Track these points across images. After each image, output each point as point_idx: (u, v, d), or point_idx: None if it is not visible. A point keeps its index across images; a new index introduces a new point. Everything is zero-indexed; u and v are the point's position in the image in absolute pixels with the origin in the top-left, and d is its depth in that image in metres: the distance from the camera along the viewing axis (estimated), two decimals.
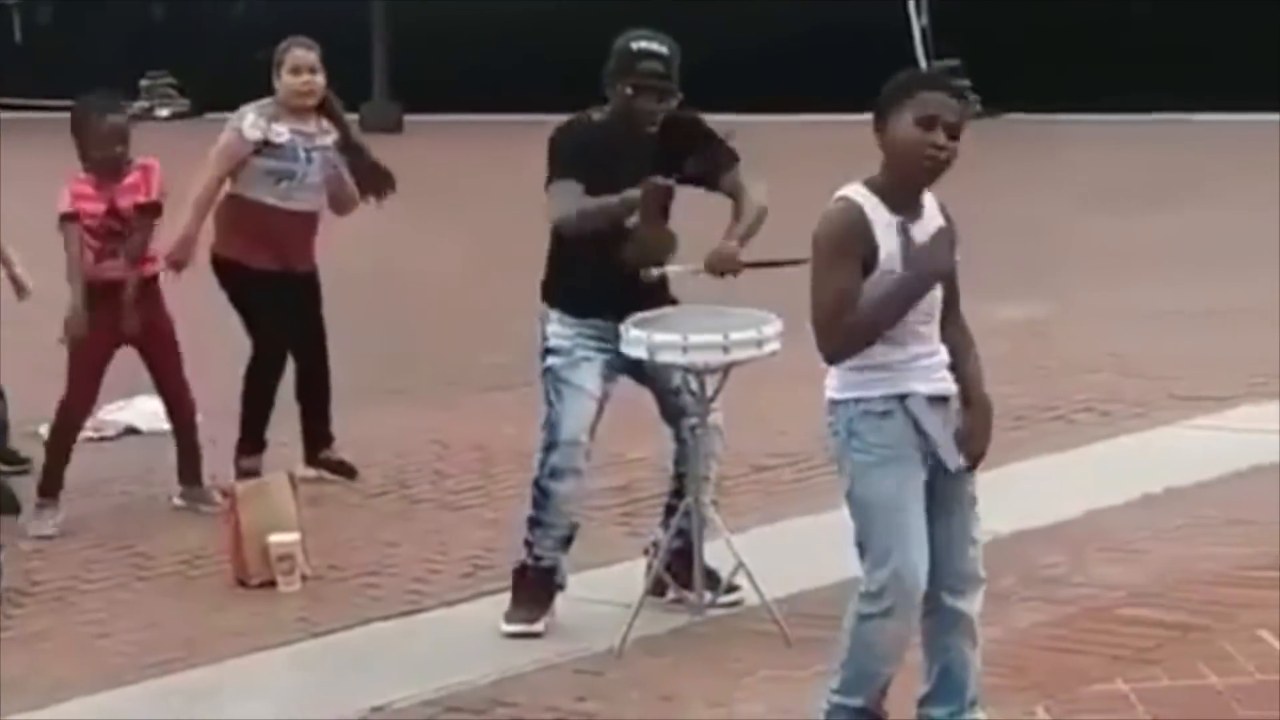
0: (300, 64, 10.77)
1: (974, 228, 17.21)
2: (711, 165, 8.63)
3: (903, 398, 6.48)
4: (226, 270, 10.81)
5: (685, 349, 8.15)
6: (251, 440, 10.83)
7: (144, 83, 27.95)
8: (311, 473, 10.65)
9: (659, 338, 8.19)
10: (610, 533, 9.61)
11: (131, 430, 11.77)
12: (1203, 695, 7.20)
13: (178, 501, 10.50)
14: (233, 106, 11.01)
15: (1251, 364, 12.11)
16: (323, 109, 10.90)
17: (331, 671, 8.15)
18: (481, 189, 20.73)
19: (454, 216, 19.59)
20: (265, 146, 10.67)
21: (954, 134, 6.47)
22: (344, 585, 9.22)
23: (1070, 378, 12.41)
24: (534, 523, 8.45)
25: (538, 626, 8.19)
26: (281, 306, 10.84)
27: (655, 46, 8.42)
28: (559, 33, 26.57)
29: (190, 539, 9.98)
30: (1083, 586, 8.60)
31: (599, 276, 8.37)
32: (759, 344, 8.18)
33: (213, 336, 11.52)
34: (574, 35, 23.93)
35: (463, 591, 9.02)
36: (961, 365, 6.77)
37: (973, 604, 6.81)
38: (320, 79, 10.81)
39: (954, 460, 6.60)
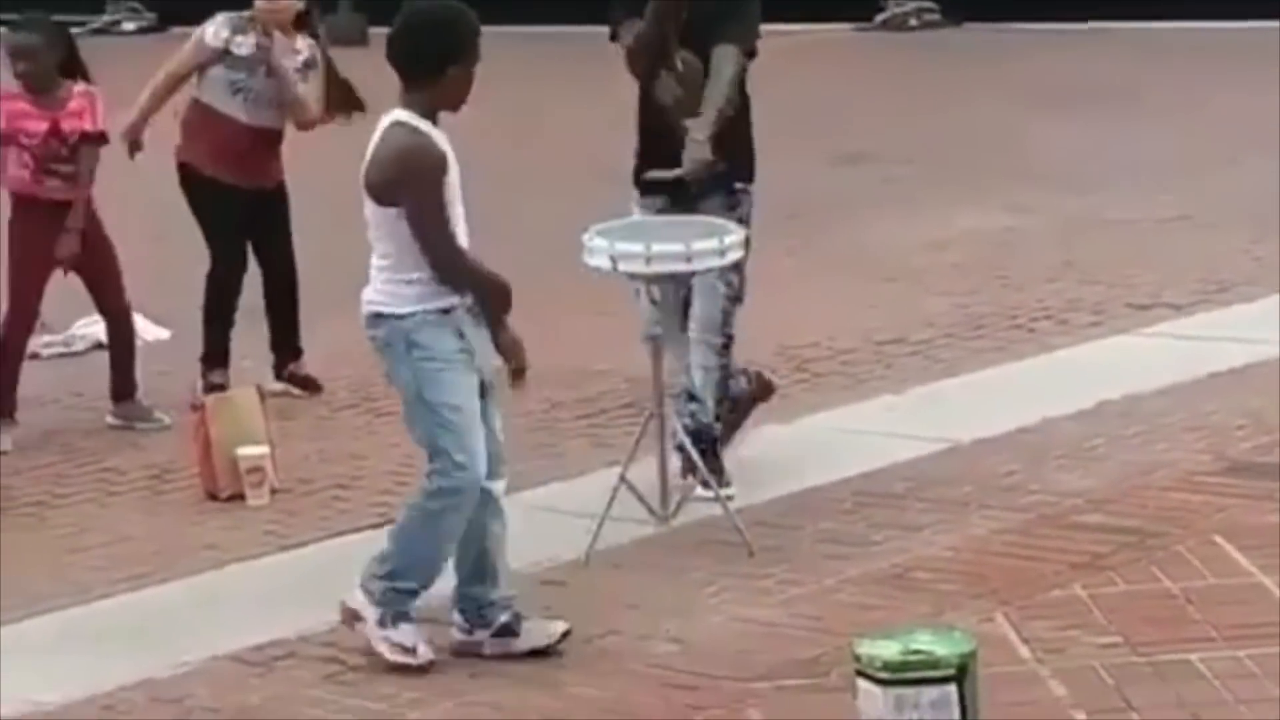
0: None
1: (931, 137, 17.43)
2: (716, 28, 8.65)
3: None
4: (188, 177, 10.86)
5: (648, 259, 8.20)
6: (215, 354, 10.88)
7: None
8: (279, 386, 10.68)
9: (621, 247, 8.25)
10: (575, 444, 9.71)
11: (100, 345, 11.76)
12: (1158, 600, 7.26)
13: (111, 420, 10.53)
14: (199, 20, 11.01)
15: (1207, 271, 12.17)
16: (300, 25, 10.90)
17: (301, 584, 8.17)
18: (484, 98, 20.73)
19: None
20: (226, 56, 10.68)
21: None
22: (313, 498, 9.29)
23: (1028, 287, 12.37)
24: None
25: None
26: (240, 220, 10.87)
27: None
28: None
29: (159, 453, 10.05)
30: (1040, 494, 8.65)
31: (650, 152, 8.68)
32: (721, 254, 8.21)
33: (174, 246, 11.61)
34: None
35: None
36: None
37: (500, 485, 7.38)
38: None
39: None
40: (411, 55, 7.24)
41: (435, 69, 7.18)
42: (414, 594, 7.27)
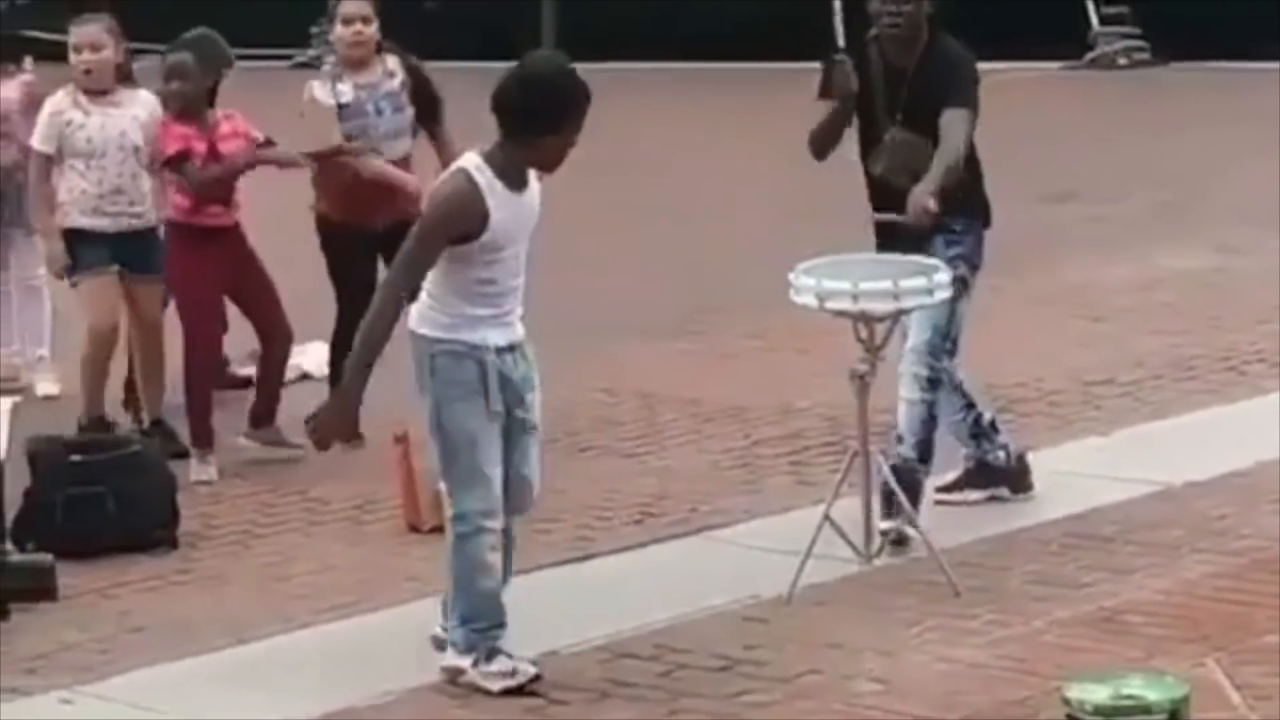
0: (351, 14, 10.76)
1: (1140, 176, 17.24)
2: (943, 96, 8.73)
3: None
4: (322, 227, 10.83)
5: (855, 297, 8.17)
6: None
7: (314, 30, 28.02)
8: None
9: (828, 285, 8.23)
10: (777, 481, 9.65)
11: (305, 376, 11.86)
12: None
13: (243, 442, 10.56)
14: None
15: None
16: (383, 51, 10.84)
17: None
18: (642, 136, 20.74)
19: (617, 162, 19.62)
20: (341, 109, 10.70)
21: None
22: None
23: (1240, 328, 12.14)
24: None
25: None
26: (371, 264, 10.67)
27: None
28: None
29: (362, 484, 10.05)
30: (1252, 537, 8.57)
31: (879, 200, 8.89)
32: (929, 292, 8.22)
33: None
34: None
35: (631, 539, 9.07)
36: None
37: (514, 520, 7.69)
38: (372, 29, 10.75)
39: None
40: (513, 112, 7.27)
41: (533, 133, 7.26)
42: (491, 629, 7.42)
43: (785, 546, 8.50)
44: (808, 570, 8.21)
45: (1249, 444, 9.77)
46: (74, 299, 10.79)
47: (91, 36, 10.50)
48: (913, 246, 8.62)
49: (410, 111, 10.83)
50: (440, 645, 7.58)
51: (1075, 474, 9.60)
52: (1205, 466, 9.49)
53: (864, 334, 8.38)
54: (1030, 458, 9.30)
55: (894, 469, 8.58)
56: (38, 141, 10.49)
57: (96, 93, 10.46)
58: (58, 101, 10.50)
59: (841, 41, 8.80)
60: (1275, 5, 23.17)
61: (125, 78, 10.63)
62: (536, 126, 7.25)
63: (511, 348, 7.42)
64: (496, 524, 7.40)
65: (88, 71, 10.44)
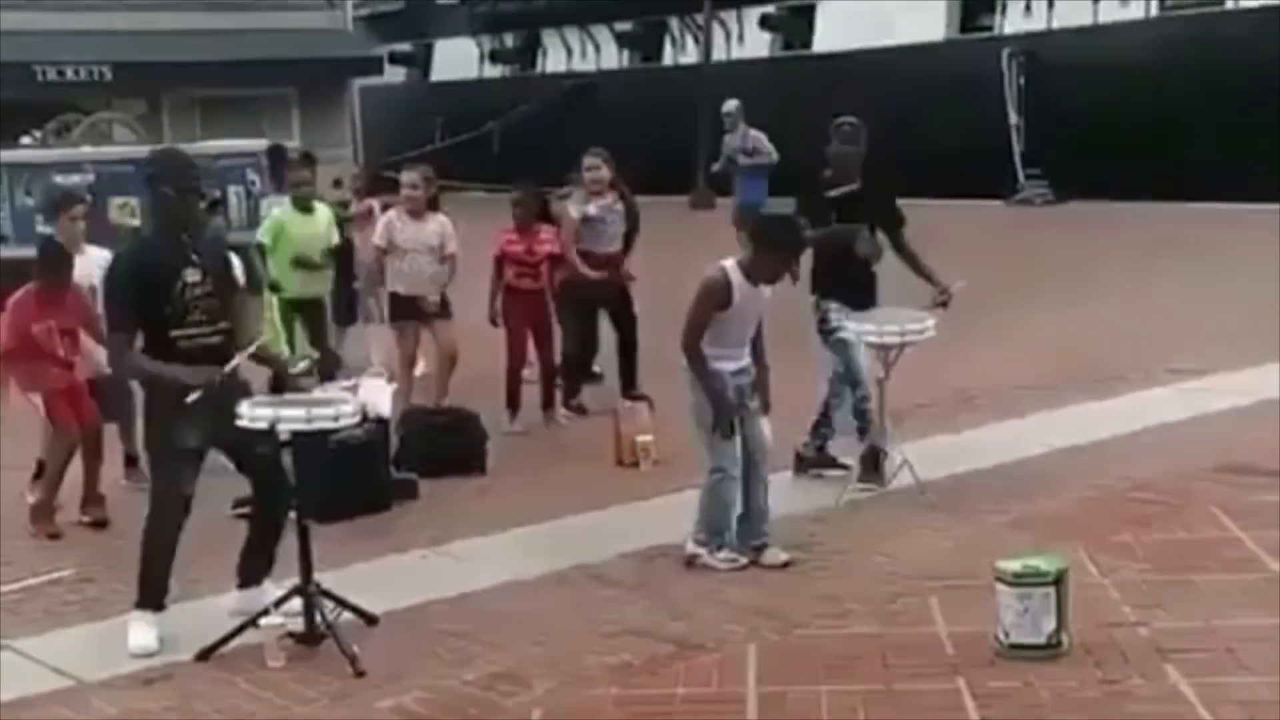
0: (591, 165, 10.92)
1: (1034, 277, 16.81)
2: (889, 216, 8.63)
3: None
4: (566, 288, 10.89)
5: (880, 334, 8.21)
6: (573, 391, 11.01)
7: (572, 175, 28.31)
8: (626, 404, 10.14)
9: (863, 327, 8.32)
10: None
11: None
12: None
13: (515, 427, 10.43)
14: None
15: None
16: (613, 187, 11.00)
17: (671, 516, 7.97)
18: None
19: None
20: (584, 220, 10.88)
21: None
22: (676, 466, 9.03)
23: (1105, 355, 11.86)
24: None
25: None
26: (594, 308, 10.93)
27: None
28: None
29: (586, 438, 10.15)
30: (1110, 479, 8.36)
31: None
32: (921, 332, 8.26)
33: None
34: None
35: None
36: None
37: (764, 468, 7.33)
38: (604, 173, 10.86)
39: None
40: (752, 235, 7.25)
41: (759, 247, 7.15)
42: (722, 533, 7.21)
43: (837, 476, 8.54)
44: (847, 493, 8.33)
45: (1109, 425, 9.71)
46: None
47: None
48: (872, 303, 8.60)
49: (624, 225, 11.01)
50: (690, 561, 7.28)
51: (1007, 440, 9.50)
52: (1085, 436, 9.45)
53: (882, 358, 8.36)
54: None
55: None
56: None
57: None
58: None
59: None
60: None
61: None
62: (764, 249, 7.14)
63: (737, 372, 7.26)
64: (736, 473, 7.19)
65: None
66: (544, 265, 10.70)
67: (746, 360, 7.30)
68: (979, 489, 8.47)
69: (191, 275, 6.40)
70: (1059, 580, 5.89)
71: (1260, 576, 6.69)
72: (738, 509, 7.27)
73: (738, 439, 7.18)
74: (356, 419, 6.75)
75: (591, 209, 10.90)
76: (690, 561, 7.27)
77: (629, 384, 10.99)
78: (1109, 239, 20.23)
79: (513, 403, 10.63)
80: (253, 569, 6.70)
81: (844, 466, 8.64)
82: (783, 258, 7.20)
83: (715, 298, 7.07)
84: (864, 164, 8.63)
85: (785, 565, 7.15)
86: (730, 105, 18.53)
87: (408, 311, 10.48)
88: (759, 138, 17.96)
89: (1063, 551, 6.45)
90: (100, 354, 8.47)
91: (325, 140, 30.68)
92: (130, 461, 9.16)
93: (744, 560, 7.20)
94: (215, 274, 6.52)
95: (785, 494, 8.20)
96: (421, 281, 10.45)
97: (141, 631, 6.41)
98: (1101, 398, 10.67)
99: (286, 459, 6.35)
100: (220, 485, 7.64)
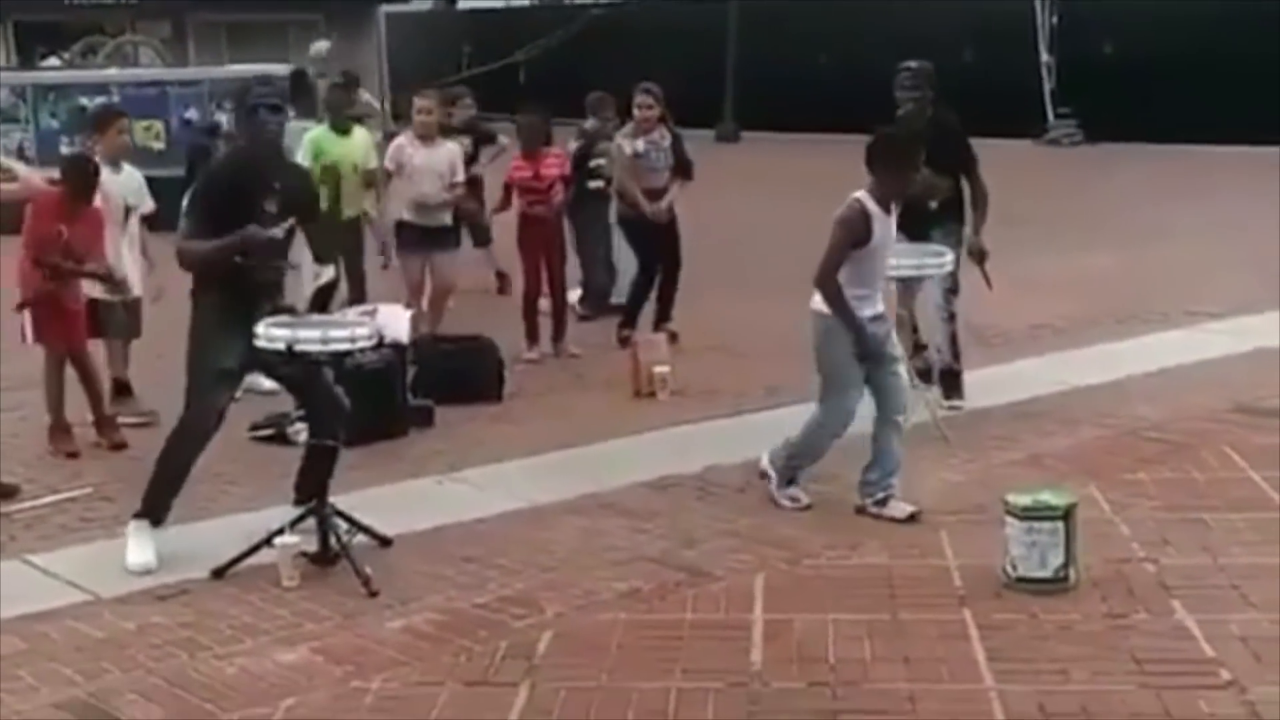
0: (642, 102, 10.90)
1: (1066, 207, 16.85)
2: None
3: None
4: (625, 223, 11.10)
5: (898, 268, 7.84)
6: (630, 318, 11.03)
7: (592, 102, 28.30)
8: (660, 335, 10.33)
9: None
10: None
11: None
12: None
13: (532, 355, 10.45)
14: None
15: None
16: (663, 122, 10.95)
17: (685, 446, 8.12)
18: (792, 177, 20.82)
19: (773, 194, 19.77)
20: (635, 156, 10.88)
21: None
22: (693, 397, 9.29)
23: (1131, 298, 11.86)
24: None
25: None
26: (651, 240, 10.98)
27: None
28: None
29: (606, 368, 10.12)
30: (1123, 418, 8.38)
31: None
32: (940, 266, 8.32)
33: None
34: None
35: (763, 402, 8.99)
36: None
37: (899, 418, 7.02)
38: (656, 110, 10.85)
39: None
40: (867, 159, 6.85)
41: (872, 169, 6.82)
42: (799, 468, 7.12)
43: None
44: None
45: (1126, 365, 9.72)
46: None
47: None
48: (925, 236, 8.57)
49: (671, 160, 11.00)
50: (762, 474, 7.24)
51: (1023, 378, 9.52)
52: (1101, 376, 9.46)
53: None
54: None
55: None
56: None
57: None
58: None
59: None
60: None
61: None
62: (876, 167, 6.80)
63: (875, 318, 6.90)
64: (842, 431, 6.95)
65: None
66: (554, 189, 10.67)
67: (882, 306, 7.02)
68: (993, 425, 8.48)
69: (270, 206, 6.45)
70: (1067, 515, 5.90)
71: (1269, 516, 6.71)
72: (818, 451, 7.09)
73: (857, 394, 6.90)
74: (373, 343, 6.81)
75: (640, 144, 10.90)
76: (762, 475, 7.23)
77: (664, 316, 11.04)
78: (1136, 181, 20.17)
79: (531, 331, 10.66)
80: (304, 489, 6.72)
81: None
82: (902, 171, 6.84)
83: (854, 231, 6.71)
84: (934, 105, 8.68)
85: (911, 518, 6.83)
86: None
87: (415, 240, 10.54)
88: None
89: (1073, 488, 6.47)
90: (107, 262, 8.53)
91: (351, 67, 30.51)
92: (118, 389, 9.09)
93: (806, 500, 7.07)
94: (291, 206, 6.57)
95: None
96: (429, 210, 10.48)
97: (140, 548, 6.46)
98: (1119, 338, 10.71)
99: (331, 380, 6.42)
100: (241, 408, 7.74)
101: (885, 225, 6.82)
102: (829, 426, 6.99)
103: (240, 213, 6.37)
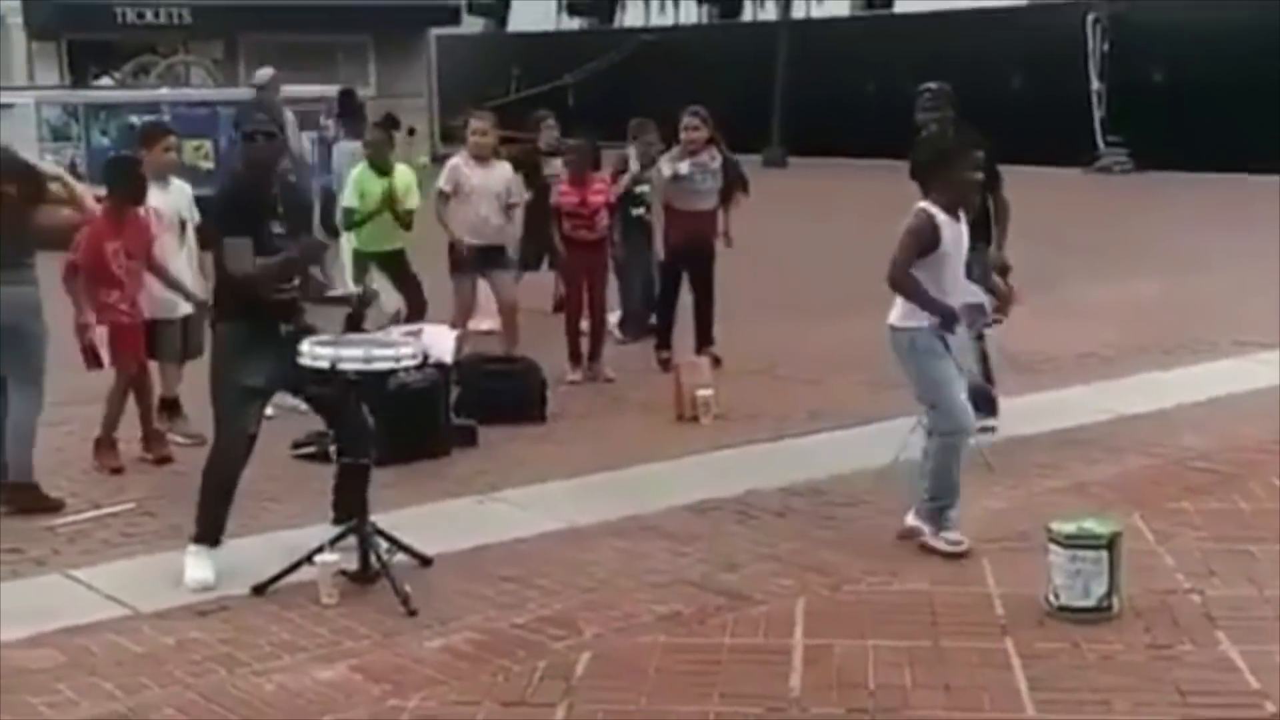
0: (689, 124, 10.85)
1: (1116, 235, 16.79)
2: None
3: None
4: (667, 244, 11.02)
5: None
6: (664, 340, 11.03)
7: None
8: (702, 358, 10.32)
9: None
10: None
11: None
12: None
13: (575, 377, 10.43)
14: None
15: None
16: (712, 143, 10.95)
17: (727, 469, 8.14)
18: (838, 202, 20.83)
19: (818, 218, 19.77)
20: (674, 178, 10.82)
21: None
22: (735, 421, 9.28)
23: (1177, 326, 11.84)
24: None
25: None
26: (679, 258, 10.89)
27: None
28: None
29: (648, 391, 10.10)
30: (1168, 448, 8.34)
31: None
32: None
33: None
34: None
35: (806, 426, 9.06)
36: None
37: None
38: (703, 132, 10.81)
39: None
40: (912, 172, 6.77)
41: (923, 181, 6.72)
42: (947, 507, 6.73)
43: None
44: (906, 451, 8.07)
45: (1173, 394, 9.68)
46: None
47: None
48: None
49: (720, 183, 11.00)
50: (911, 532, 6.79)
51: (1069, 406, 9.47)
52: (1147, 405, 9.41)
53: None
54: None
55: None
56: None
57: None
58: None
59: None
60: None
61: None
62: (924, 176, 6.70)
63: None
64: (972, 427, 6.74)
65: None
66: (599, 216, 10.69)
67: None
68: (1038, 452, 8.44)
69: (276, 227, 6.49)
70: (1111, 544, 5.87)
71: None
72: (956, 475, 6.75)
73: (961, 394, 6.68)
74: (417, 362, 6.82)
75: (684, 167, 10.85)
76: (908, 534, 6.80)
77: (705, 339, 10.98)
78: (1186, 210, 20.06)
79: (573, 353, 10.67)
80: (341, 508, 6.74)
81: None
82: (959, 175, 6.70)
83: (922, 239, 6.57)
84: (955, 127, 8.50)
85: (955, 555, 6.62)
86: None
87: (469, 260, 10.49)
88: None
89: (1118, 517, 6.44)
90: (158, 290, 8.58)
91: (402, 89, 30.82)
92: (167, 406, 9.08)
93: (966, 544, 6.66)
94: (296, 223, 6.61)
95: (851, 448, 8.32)
96: (487, 230, 10.45)
97: (199, 566, 6.49)
98: (1166, 367, 10.67)
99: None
100: (282, 425, 7.77)
101: (955, 231, 6.70)
102: (950, 436, 6.67)
103: (248, 236, 6.41)
